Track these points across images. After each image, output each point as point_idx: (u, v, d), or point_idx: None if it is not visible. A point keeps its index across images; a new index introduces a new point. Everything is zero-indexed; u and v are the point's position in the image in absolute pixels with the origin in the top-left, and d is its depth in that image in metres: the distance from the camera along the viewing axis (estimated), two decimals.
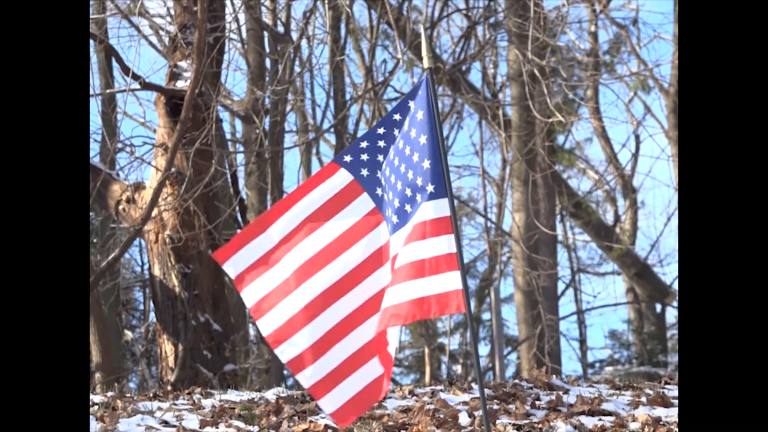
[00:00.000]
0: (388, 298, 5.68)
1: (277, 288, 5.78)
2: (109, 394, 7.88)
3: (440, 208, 5.65)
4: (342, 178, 5.83)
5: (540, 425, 6.62)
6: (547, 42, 13.09)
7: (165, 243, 11.35)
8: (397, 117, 5.87)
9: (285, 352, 5.74)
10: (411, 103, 5.85)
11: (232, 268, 5.83)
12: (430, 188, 5.68)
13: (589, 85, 18.62)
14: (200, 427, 6.57)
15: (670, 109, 18.98)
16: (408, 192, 5.75)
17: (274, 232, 5.81)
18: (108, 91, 14.19)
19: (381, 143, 5.86)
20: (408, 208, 5.75)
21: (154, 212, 10.98)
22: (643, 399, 7.42)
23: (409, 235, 5.67)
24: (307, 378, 5.72)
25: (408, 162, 5.76)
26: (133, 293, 19.32)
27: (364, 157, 5.84)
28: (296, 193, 5.86)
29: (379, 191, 5.82)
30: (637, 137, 22.20)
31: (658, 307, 22.55)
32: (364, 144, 5.87)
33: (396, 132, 5.86)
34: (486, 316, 24.09)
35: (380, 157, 5.84)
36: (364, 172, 5.83)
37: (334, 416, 5.75)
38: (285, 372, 18.19)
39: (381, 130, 5.88)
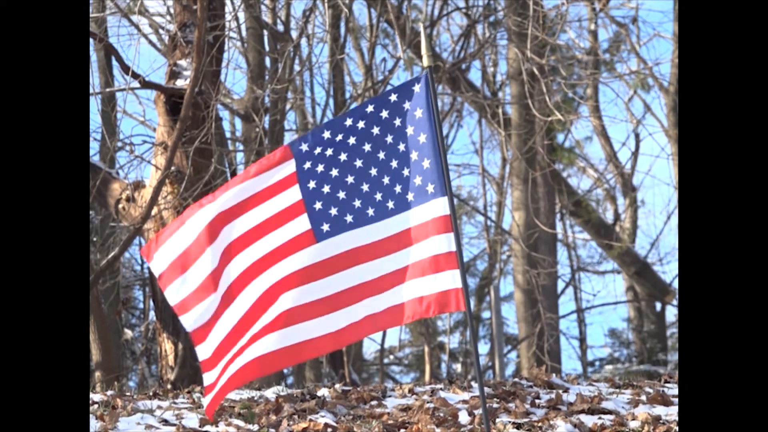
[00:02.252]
0: (388, 299, 5.69)
1: (201, 284, 5.71)
2: (109, 392, 7.88)
3: (440, 206, 5.65)
4: (286, 167, 5.77)
5: (540, 424, 6.63)
6: (546, 40, 13.09)
7: None
8: (370, 109, 5.82)
9: (200, 350, 5.71)
10: (393, 96, 5.81)
11: (156, 264, 5.77)
12: (430, 188, 5.68)
13: (588, 84, 18.62)
14: (200, 426, 6.57)
15: (669, 107, 18.98)
16: (398, 188, 5.75)
17: (202, 216, 5.77)
18: (108, 89, 14.20)
19: (351, 140, 5.80)
20: (391, 204, 5.74)
21: (154, 211, 10.98)
22: (643, 397, 7.42)
23: (408, 237, 5.69)
24: (209, 375, 5.69)
25: (403, 159, 5.75)
26: (133, 292, 19.33)
27: (318, 150, 5.78)
28: (243, 173, 5.80)
29: (312, 184, 5.76)
30: (637, 136, 22.22)
31: (658, 306, 22.56)
32: (326, 134, 5.80)
33: (375, 129, 5.82)
34: (486, 314, 24.10)
35: (343, 156, 5.78)
36: (307, 164, 5.78)
37: (209, 404, 5.69)
38: (285, 371, 18.21)
39: (348, 122, 5.80)
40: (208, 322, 5.72)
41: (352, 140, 5.80)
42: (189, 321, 5.71)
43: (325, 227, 5.75)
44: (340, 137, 5.80)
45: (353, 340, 5.87)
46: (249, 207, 5.78)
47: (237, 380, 5.66)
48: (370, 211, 5.76)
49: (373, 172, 5.79)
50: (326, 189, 5.78)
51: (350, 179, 5.78)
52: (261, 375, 5.76)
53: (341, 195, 5.77)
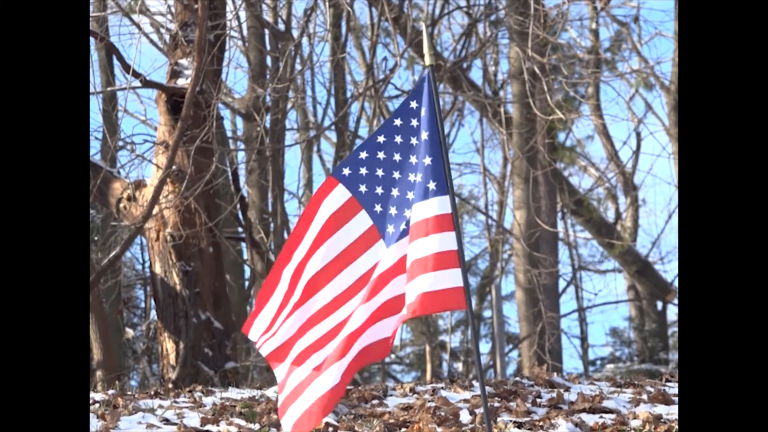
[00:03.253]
0: (389, 295, 5.69)
1: (281, 313, 5.72)
2: (110, 391, 7.88)
3: (441, 205, 5.65)
4: (340, 194, 5.77)
5: (541, 423, 6.62)
6: (547, 39, 13.09)
7: (166, 241, 11.35)
8: (398, 122, 5.85)
9: (278, 372, 5.72)
10: (413, 103, 5.83)
11: (255, 331, 5.75)
12: (431, 185, 5.68)
13: (590, 83, 18.62)
14: (201, 425, 6.57)
15: (671, 106, 18.97)
16: (410, 195, 5.75)
17: (286, 274, 5.75)
18: (109, 88, 14.20)
19: (380, 155, 5.79)
20: (408, 213, 5.74)
21: (155, 210, 10.98)
22: (644, 396, 7.42)
23: (411, 234, 5.68)
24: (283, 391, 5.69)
25: (410, 159, 5.76)
26: (134, 291, 19.32)
27: (363, 171, 5.77)
28: (302, 221, 5.75)
29: (378, 208, 5.76)
30: (638, 135, 22.22)
31: (659, 305, 22.56)
32: (363, 155, 5.79)
33: (398, 139, 5.83)
34: (487, 313, 24.11)
35: (379, 172, 5.79)
36: (362, 188, 5.77)
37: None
38: None
39: (381, 139, 5.82)
40: (283, 344, 5.72)
41: (381, 155, 5.80)
42: (266, 348, 5.71)
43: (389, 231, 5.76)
44: (382, 155, 5.79)
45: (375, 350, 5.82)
46: (322, 239, 5.74)
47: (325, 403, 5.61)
48: (403, 225, 5.77)
49: (398, 189, 5.80)
50: (378, 209, 5.77)
51: (395, 192, 5.78)
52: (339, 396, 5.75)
53: (392, 211, 5.77)
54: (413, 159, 5.77)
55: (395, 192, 5.77)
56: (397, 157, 5.80)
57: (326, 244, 5.72)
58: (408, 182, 5.75)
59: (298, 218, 5.86)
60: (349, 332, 5.59)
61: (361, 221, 5.75)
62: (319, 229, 5.72)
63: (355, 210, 5.75)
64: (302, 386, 5.63)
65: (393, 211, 5.74)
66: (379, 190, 5.77)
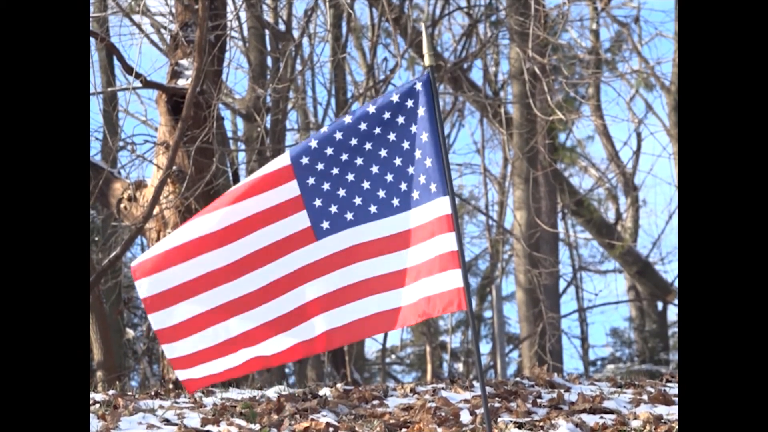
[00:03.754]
0: (393, 300, 5.71)
1: (181, 286, 5.75)
2: (111, 392, 7.88)
3: (442, 206, 5.66)
4: (289, 189, 5.76)
5: (541, 423, 6.62)
6: (548, 40, 13.09)
7: None
8: (371, 109, 5.82)
9: (173, 351, 5.79)
10: (395, 96, 5.81)
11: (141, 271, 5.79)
12: (432, 187, 5.68)
13: (590, 83, 18.62)
14: (202, 426, 6.56)
15: (671, 106, 18.97)
16: (403, 186, 5.75)
17: (194, 229, 5.76)
18: (109, 89, 14.19)
19: (344, 156, 5.80)
20: (396, 201, 5.75)
21: (156, 210, 10.98)
22: (645, 397, 7.42)
23: (413, 236, 5.69)
24: (171, 351, 5.79)
25: (407, 156, 5.76)
26: (135, 291, 19.30)
27: (320, 166, 5.78)
28: (242, 191, 5.77)
29: (318, 202, 5.77)
30: (639, 135, 22.21)
31: (660, 305, 22.55)
32: (329, 151, 5.77)
33: (378, 130, 5.82)
34: (487, 314, 24.10)
35: (335, 170, 5.79)
36: (311, 180, 5.78)
37: (186, 383, 5.84)
38: (287, 370, 18.21)
39: (363, 126, 5.82)
40: (184, 322, 5.75)
41: (353, 141, 5.80)
42: (158, 319, 5.75)
43: (325, 225, 5.76)
44: (339, 136, 5.80)
45: (358, 338, 5.89)
46: (242, 197, 5.78)
47: (232, 373, 5.76)
48: (373, 209, 5.77)
49: (375, 169, 5.79)
50: (326, 186, 5.78)
51: (350, 177, 5.79)
52: (254, 370, 5.84)
53: (341, 192, 5.78)
54: (406, 144, 5.77)
55: (377, 170, 5.77)
56: (368, 144, 5.79)
57: (257, 233, 5.73)
58: (404, 171, 5.76)
59: (241, 183, 5.86)
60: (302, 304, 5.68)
61: (299, 221, 5.76)
62: (255, 213, 5.73)
63: (297, 208, 5.76)
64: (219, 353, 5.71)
65: (368, 186, 5.75)
66: (326, 186, 5.78)
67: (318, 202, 5.78)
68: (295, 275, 5.75)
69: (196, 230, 5.76)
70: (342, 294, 5.76)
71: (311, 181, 5.78)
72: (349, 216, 5.76)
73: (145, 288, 5.77)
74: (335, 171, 5.79)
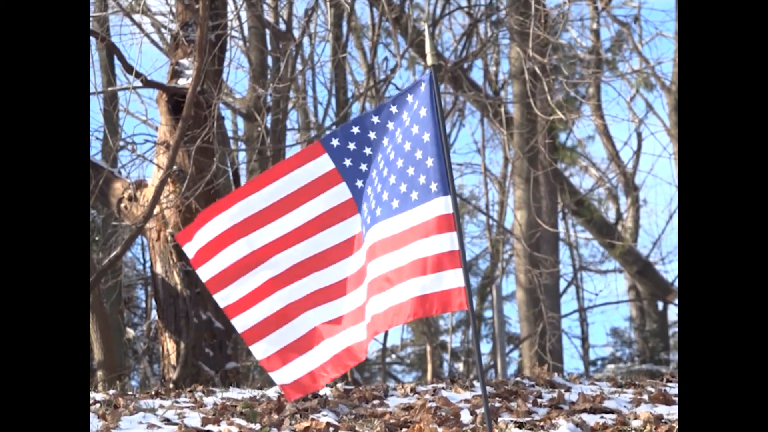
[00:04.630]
0: (390, 298, 5.69)
1: (237, 263, 5.81)
2: (111, 391, 7.88)
3: (443, 205, 5.66)
4: (323, 163, 5.83)
5: (542, 423, 6.62)
6: (548, 39, 13.08)
7: (167, 241, 11.35)
8: (393, 109, 5.87)
9: (241, 325, 5.82)
10: (409, 97, 5.84)
11: (192, 246, 5.85)
12: (433, 186, 5.68)
13: (590, 83, 18.61)
14: (202, 425, 6.57)
15: (671, 106, 18.97)
16: (403, 187, 5.75)
17: (241, 208, 5.82)
18: (110, 88, 14.19)
19: (372, 135, 5.86)
20: (396, 203, 5.76)
21: (156, 210, 10.98)
22: (645, 397, 7.42)
23: (410, 235, 5.69)
24: (261, 351, 5.81)
25: (409, 157, 5.77)
26: (135, 291, 19.33)
27: (352, 146, 5.85)
28: (276, 169, 5.85)
29: (359, 183, 5.83)
30: (639, 135, 22.21)
31: (660, 305, 22.55)
32: (355, 130, 5.87)
33: (390, 125, 5.85)
34: (488, 313, 24.09)
35: (367, 150, 5.85)
36: (347, 162, 5.85)
37: (284, 389, 5.84)
38: None
39: (375, 119, 5.87)
40: (244, 299, 5.78)
41: (372, 135, 5.87)
42: (222, 296, 5.81)
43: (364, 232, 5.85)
44: (371, 134, 5.86)
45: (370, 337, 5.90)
46: (294, 203, 5.83)
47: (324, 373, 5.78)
48: (378, 211, 5.79)
49: (385, 172, 5.81)
50: (359, 184, 5.86)
51: (375, 179, 5.84)
52: (344, 371, 5.89)
53: (369, 192, 5.85)
54: (407, 145, 5.80)
55: (386, 172, 5.79)
56: (385, 141, 5.84)
57: (300, 208, 5.77)
58: (405, 172, 5.77)
59: (273, 166, 5.91)
60: (360, 294, 5.73)
61: (341, 193, 5.83)
62: (294, 190, 5.80)
63: (336, 181, 5.82)
64: (297, 348, 5.77)
65: (379, 189, 5.78)
66: (363, 167, 5.82)
67: (364, 208, 5.85)
68: (357, 276, 5.83)
69: (256, 238, 5.82)
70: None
71: (359, 184, 5.84)
72: (368, 219, 5.81)
73: (206, 273, 5.84)
74: (364, 168, 5.86)
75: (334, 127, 16.88)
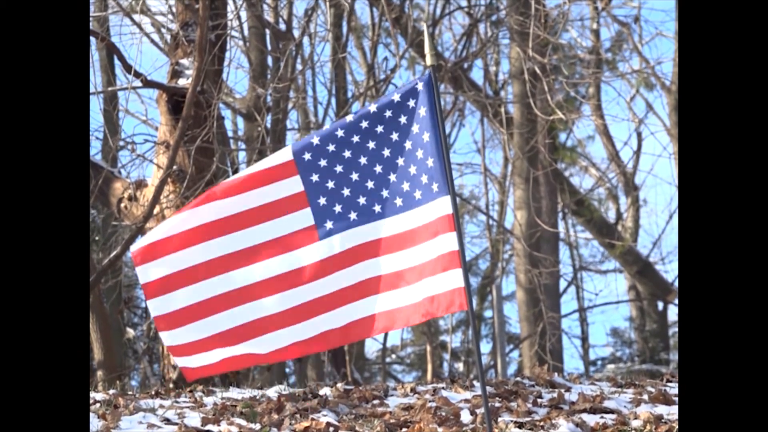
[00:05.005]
0: (394, 300, 5.72)
1: (181, 272, 5.76)
2: (111, 391, 7.88)
3: (443, 205, 5.66)
4: (292, 184, 5.77)
5: (542, 423, 6.62)
6: (548, 39, 13.09)
7: None
8: (388, 114, 5.84)
9: (172, 338, 5.80)
10: (405, 97, 5.82)
11: (143, 252, 5.82)
12: (434, 186, 5.68)
13: (590, 83, 18.62)
14: (202, 425, 6.56)
15: (672, 106, 18.97)
16: (406, 186, 5.75)
17: (195, 216, 5.78)
18: (110, 88, 14.19)
19: (347, 153, 5.81)
20: (399, 201, 5.75)
21: (156, 210, 10.98)
22: (645, 397, 7.42)
23: (416, 236, 5.70)
24: (169, 338, 5.79)
25: (410, 156, 5.77)
26: (135, 291, 19.32)
27: (323, 162, 5.78)
28: (244, 182, 5.78)
29: (322, 200, 5.77)
30: (639, 135, 22.21)
31: (660, 305, 22.55)
32: (331, 148, 5.77)
33: (380, 128, 5.83)
34: (488, 313, 24.10)
35: (339, 168, 5.79)
36: (315, 177, 5.78)
37: (187, 371, 5.88)
38: (287, 370, 18.20)
39: (364, 124, 5.83)
40: (183, 309, 5.76)
41: (355, 138, 5.80)
42: (156, 305, 5.76)
43: (329, 224, 5.76)
44: (341, 133, 5.81)
45: (359, 337, 5.89)
46: (243, 189, 5.79)
47: (229, 365, 5.79)
48: (377, 208, 5.77)
49: (378, 169, 5.79)
50: (330, 184, 5.79)
51: (355, 176, 5.79)
52: (250, 365, 5.86)
53: (346, 192, 5.78)
54: (408, 144, 5.78)
55: (380, 169, 5.78)
56: (372, 144, 5.80)
57: (261, 226, 5.73)
58: (407, 171, 5.76)
59: (242, 173, 5.86)
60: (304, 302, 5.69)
61: (303, 218, 5.77)
62: (258, 205, 5.74)
63: (301, 205, 5.76)
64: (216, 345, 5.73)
65: (372, 185, 5.75)
66: (330, 185, 5.78)
67: (322, 201, 5.78)
68: (296, 273, 5.75)
69: (195, 218, 5.76)
70: (343, 294, 5.76)
71: (315, 178, 5.78)
72: (353, 215, 5.76)
73: (144, 274, 5.78)
74: (339, 169, 5.79)
75: None
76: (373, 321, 5.76)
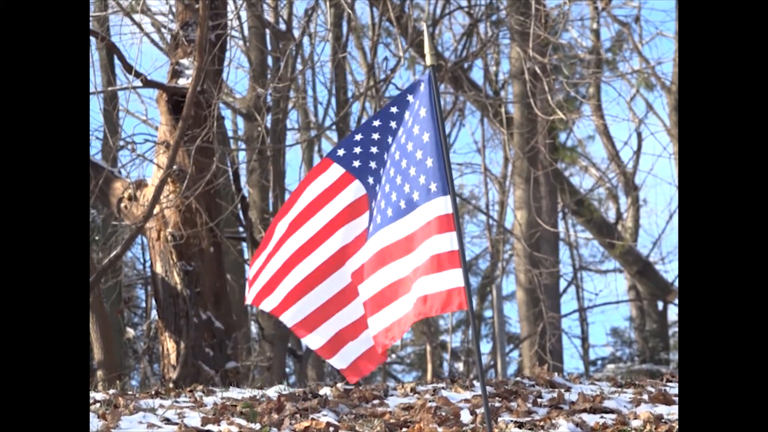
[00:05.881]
0: (400, 307, 5.74)
1: (277, 273, 5.96)
2: (111, 391, 7.88)
3: (442, 205, 5.66)
4: (334, 172, 5.90)
5: (542, 423, 6.62)
6: (548, 39, 13.09)
7: (167, 240, 11.35)
8: (394, 110, 5.88)
9: (290, 319, 5.99)
10: (410, 97, 5.86)
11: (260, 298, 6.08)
12: (433, 186, 5.68)
13: (590, 83, 18.61)
14: (202, 425, 6.56)
15: (672, 106, 18.97)
16: (406, 188, 5.77)
17: (275, 237, 5.97)
18: (110, 88, 14.19)
19: (375, 135, 5.91)
20: (403, 204, 5.77)
21: (156, 210, 10.98)
22: (645, 397, 7.42)
23: (415, 238, 5.71)
24: (313, 341, 5.99)
25: (410, 158, 5.78)
26: (135, 291, 19.32)
27: (357, 150, 5.91)
28: (293, 195, 5.98)
29: (370, 179, 5.88)
30: (639, 135, 22.20)
31: (660, 305, 22.55)
32: (358, 137, 5.94)
33: (393, 124, 5.87)
34: (488, 313, 24.11)
35: (374, 149, 5.90)
36: (356, 163, 5.91)
37: (346, 372, 6.03)
38: (287, 369, 18.20)
39: (376, 123, 5.92)
40: (289, 297, 5.98)
41: (375, 136, 5.91)
42: (287, 318, 6.00)
43: (370, 227, 5.88)
44: (376, 136, 5.91)
45: (377, 362, 6.04)
46: (313, 210, 5.93)
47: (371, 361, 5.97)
48: (390, 212, 5.83)
49: (392, 172, 5.83)
50: (370, 181, 5.90)
51: (383, 178, 5.87)
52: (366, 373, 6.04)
53: (378, 191, 5.88)
54: (410, 146, 5.82)
55: (393, 172, 5.84)
56: (389, 140, 5.87)
57: (320, 212, 5.89)
58: (407, 172, 5.79)
59: (290, 194, 6.03)
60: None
61: (355, 190, 5.90)
62: (310, 201, 5.89)
63: (349, 181, 5.90)
64: (344, 336, 5.96)
65: (388, 189, 5.82)
66: (372, 165, 5.88)
67: (373, 204, 5.90)
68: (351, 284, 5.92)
69: (283, 252, 5.95)
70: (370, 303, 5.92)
71: (371, 181, 5.89)
72: (379, 219, 5.87)
73: (267, 306, 6.04)
74: (374, 165, 5.91)
75: (333, 127, 16.89)
76: (388, 329, 5.85)
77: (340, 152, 5.92)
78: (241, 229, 15.53)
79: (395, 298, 5.78)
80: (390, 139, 5.88)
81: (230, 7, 12.30)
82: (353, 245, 5.90)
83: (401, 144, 5.82)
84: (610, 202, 22.94)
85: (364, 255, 5.89)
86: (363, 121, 17.28)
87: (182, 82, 11.40)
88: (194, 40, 11.12)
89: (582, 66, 18.16)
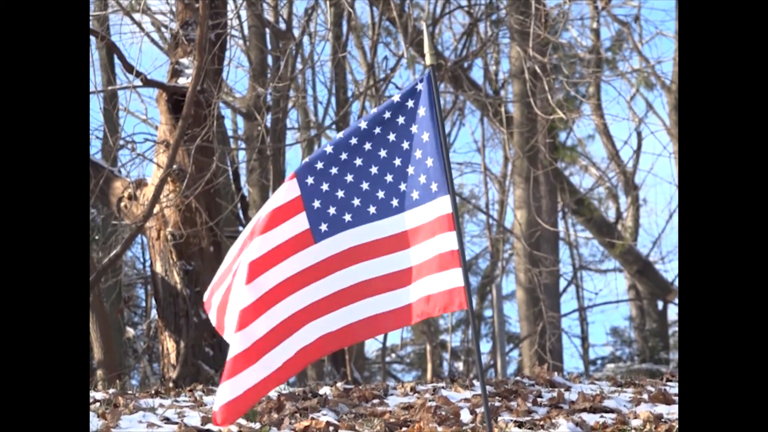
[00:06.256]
0: (397, 299, 5.70)
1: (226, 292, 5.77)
2: (111, 391, 7.88)
3: (443, 205, 5.66)
4: (291, 190, 5.72)
5: (542, 422, 6.62)
6: (548, 39, 13.09)
7: (167, 240, 11.35)
8: (387, 114, 5.83)
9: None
10: (405, 98, 5.83)
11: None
12: (434, 186, 5.68)
13: (590, 82, 18.61)
14: (202, 424, 6.56)
15: (672, 106, 18.97)
16: (402, 186, 5.74)
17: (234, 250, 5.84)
18: (110, 87, 14.19)
19: (353, 140, 5.79)
20: (395, 202, 5.74)
21: (156, 209, 10.98)
22: (645, 396, 7.42)
23: (415, 235, 5.69)
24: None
25: (407, 157, 5.76)
26: (135, 290, 19.33)
27: (319, 165, 5.73)
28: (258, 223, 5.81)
29: (316, 203, 5.72)
30: (639, 134, 22.20)
31: (660, 305, 22.55)
32: (329, 150, 5.77)
33: (377, 129, 5.81)
34: (488, 313, 24.11)
35: (344, 155, 5.75)
36: (310, 180, 5.73)
37: (218, 413, 5.58)
38: None
39: (363, 125, 5.82)
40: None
41: (353, 140, 5.79)
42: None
43: (324, 227, 5.72)
44: (341, 136, 5.81)
45: (359, 339, 5.85)
46: (258, 230, 5.77)
47: (257, 393, 5.57)
48: (372, 209, 5.75)
49: (374, 170, 5.78)
50: (325, 187, 5.75)
51: (349, 177, 5.76)
52: (277, 385, 5.73)
53: (340, 194, 5.75)
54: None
55: (376, 170, 5.75)
56: (368, 145, 5.78)
57: (262, 237, 5.69)
58: (404, 171, 5.75)
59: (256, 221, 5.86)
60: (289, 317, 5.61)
61: (299, 223, 5.70)
62: (263, 219, 5.71)
63: (297, 210, 5.70)
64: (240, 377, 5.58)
65: (367, 187, 5.72)
66: (324, 187, 5.73)
67: (317, 204, 5.74)
68: (292, 280, 5.70)
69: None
70: (340, 297, 5.71)
71: (310, 180, 5.76)
72: (348, 217, 5.73)
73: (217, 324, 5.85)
74: (334, 171, 5.76)
75: (334, 126, 16.88)
76: (372, 323, 5.74)
77: (309, 180, 5.75)
78: (241, 228, 15.53)
79: (385, 291, 5.70)
80: (368, 144, 5.79)
81: (230, 6, 12.31)
82: (271, 256, 5.64)
83: (391, 142, 5.78)
84: (610, 201, 22.95)
85: (311, 258, 5.66)
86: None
87: (182, 81, 11.40)
88: (194, 40, 11.11)
89: (582, 65, 18.17)
